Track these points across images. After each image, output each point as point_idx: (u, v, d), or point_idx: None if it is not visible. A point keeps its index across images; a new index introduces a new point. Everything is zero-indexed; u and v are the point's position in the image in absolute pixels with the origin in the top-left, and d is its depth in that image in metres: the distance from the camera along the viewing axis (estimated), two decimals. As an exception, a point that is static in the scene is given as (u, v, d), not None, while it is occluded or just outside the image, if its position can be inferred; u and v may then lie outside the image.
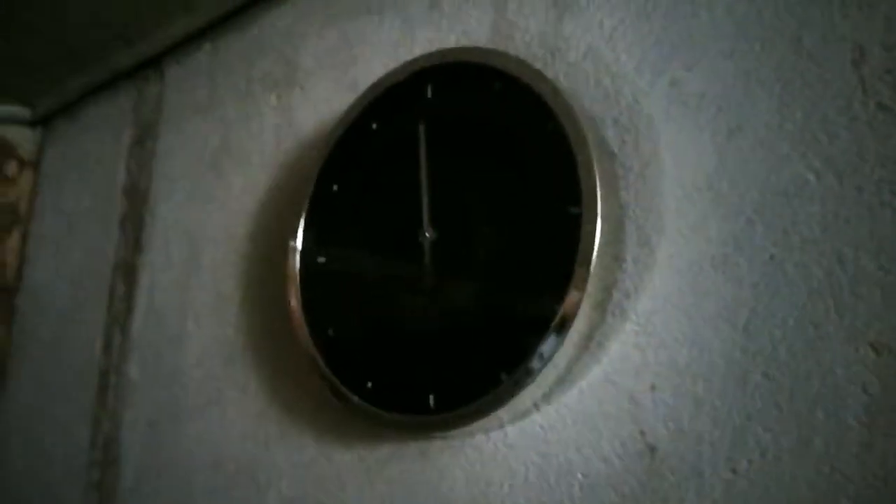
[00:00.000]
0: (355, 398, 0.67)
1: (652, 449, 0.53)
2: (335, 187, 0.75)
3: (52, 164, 1.27)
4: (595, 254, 0.55)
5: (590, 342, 0.57)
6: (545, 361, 0.56)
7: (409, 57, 0.76)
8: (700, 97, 0.57)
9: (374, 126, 0.74)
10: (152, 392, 0.93)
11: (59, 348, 1.10)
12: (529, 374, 0.57)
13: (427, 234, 0.66)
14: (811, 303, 0.49)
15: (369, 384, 0.67)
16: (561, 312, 0.56)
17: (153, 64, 1.11)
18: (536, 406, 0.59)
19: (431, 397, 0.63)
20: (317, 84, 0.87)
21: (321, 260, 0.74)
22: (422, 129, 0.68)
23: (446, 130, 0.68)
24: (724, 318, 0.53)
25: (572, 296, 0.55)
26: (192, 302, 0.93)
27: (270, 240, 0.85)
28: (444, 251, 0.65)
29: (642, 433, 0.54)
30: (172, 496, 0.85)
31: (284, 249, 0.78)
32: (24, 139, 1.32)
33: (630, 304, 0.57)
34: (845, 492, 0.45)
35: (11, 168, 1.31)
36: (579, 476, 0.56)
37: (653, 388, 0.54)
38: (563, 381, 0.58)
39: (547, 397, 0.58)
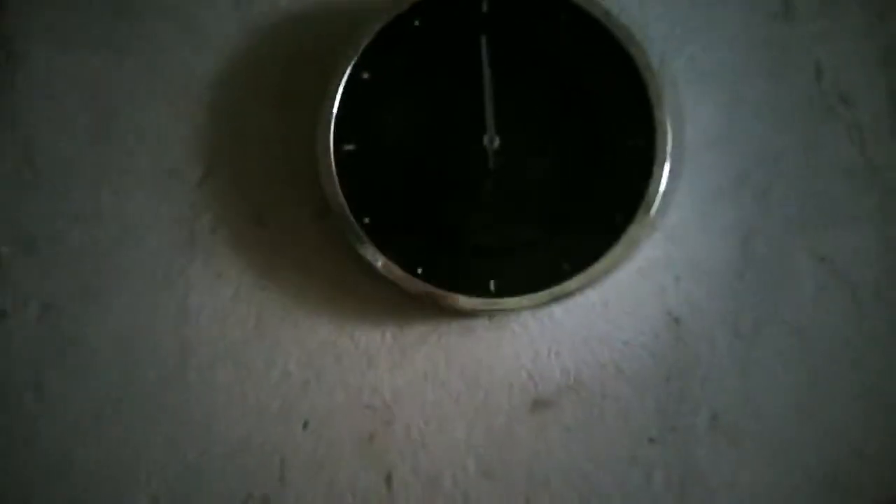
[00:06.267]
0: (412, 281, 0.72)
1: (677, 320, 0.74)
2: (366, 75, 0.75)
3: None
4: (663, 181, 0.72)
5: (630, 247, 0.74)
6: (601, 260, 0.72)
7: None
8: (716, 72, 0.78)
9: (417, 23, 0.76)
10: (48, 274, 0.77)
11: None
12: (590, 271, 0.72)
13: (494, 140, 0.73)
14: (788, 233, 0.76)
15: (421, 270, 0.73)
16: (625, 223, 0.72)
17: None
18: (580, 290, 0.74)
19: (492, 283, 0.73)
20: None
21: (349, 147, 0.75)
22: (483, 40, 0.75)
23: (508, 50, 0.75)
24: (728, 231, 0.76)
25: (638, 213, 0.72)
26: (106, 173, 0.79)
27: (251, 115, 0.79)
28: (507, 156, 0.74)
29: (669, 311, 0.75)
30: (115, 374, 0.74)
31: (295, 132, 0.76)
32: None
33: (660, 220, 0.75)
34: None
35: None
36: (620, 344, 0.74)
37: (677, 279, 0.75)
38: (608, 273, 0.74)
39: (594, 285, 0.74)
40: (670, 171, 0.73)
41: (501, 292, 0.72)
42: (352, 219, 0.73)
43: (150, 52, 0.81)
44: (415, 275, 0.73)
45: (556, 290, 0.72)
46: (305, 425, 0.74)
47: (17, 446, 0.75)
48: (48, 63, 0.81)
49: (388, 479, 0.73)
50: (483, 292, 0.72)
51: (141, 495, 0.73)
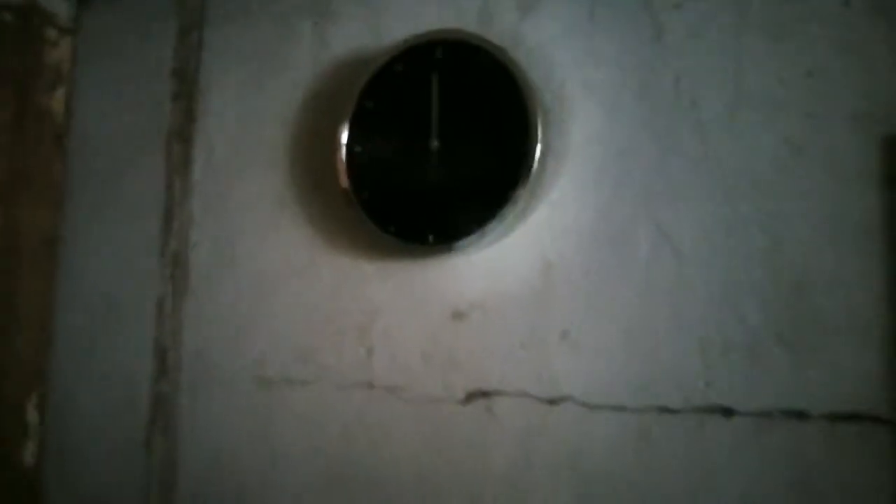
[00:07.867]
0: (386, 235, 1.16)
1: (549, 265, 1.08)
2: (369, 105, 1.20)
3: (92, 35, 1.57)
4: (534, 167, 1.06)
5: (522, 213, 1.09)
6: (500, 222, 1.08)
7: (423, 23, 1.19)
8: (600, 87, 1.07)
9: (398, 68, 1.18)
10: (215, 223, 1.37)
11: (119, 185, 1.49)
12: (491, 229, 1.09)
13: (435, 143, 1.13)
14: (636, 207, 1.04)
15: (393, 228, 1.16)
16: (513, 197, 1.07)
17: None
18: (490, 244, 1.12)
19: (430, 236, 1.14)
20: (347, 23, 1.28)
21: (358, 149, 1.20)
22: (434, 78, 1.14)
23: (450, 83, 1.13)
24: (592, 204, 1.06)
25: (520, 190, 1.07)
26: (245, 163, 1.35)
27: (315, 128, 1.28)
28: (443, 153, 1.13)
29: (545, 259, 1.08)
30: (244, 283, 1.32)
31: (332, 139, 1.23)
32: (59, 9, 1.59)
33: (545, 194, 1.09)
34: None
35: (52, 33, 1.59)
36: (511, 280, 1.10)
37: (554, 238, 1.08)
38: (507, 231, 1.10)
39: (496, 239, 1.11)
40: (542, 163, 1.06)
41: (436, 242, 1.13)
42: (353, 195, 1.19)
43: (268, 86, 1.35)
44: (388, 232, 1.17)
45: (469, 240, 1.11)
46: (331, 317, 1.24)
47: (174, 341, 1.36)
48: (220, 98, 1.40)
49: (370, 353, 1.19)
50: (425, 242, 1.14)
51: (251, 354, 1.30)
